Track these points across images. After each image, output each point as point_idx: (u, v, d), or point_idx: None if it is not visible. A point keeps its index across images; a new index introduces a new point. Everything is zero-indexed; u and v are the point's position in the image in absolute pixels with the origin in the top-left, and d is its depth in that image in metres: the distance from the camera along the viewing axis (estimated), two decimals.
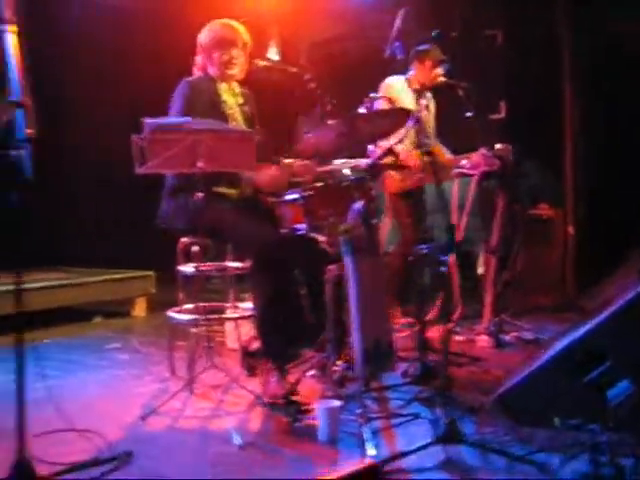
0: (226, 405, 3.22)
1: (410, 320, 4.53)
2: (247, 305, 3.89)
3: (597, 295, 4.75)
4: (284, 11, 6.82)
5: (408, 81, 4.66)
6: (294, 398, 3.07)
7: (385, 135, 3.44)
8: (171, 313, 3.61)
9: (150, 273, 5.51)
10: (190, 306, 3.61)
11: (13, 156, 2.14)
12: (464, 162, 4.40)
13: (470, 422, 2.83)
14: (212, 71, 3.58)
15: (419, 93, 4.56)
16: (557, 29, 5.77)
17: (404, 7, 3.49)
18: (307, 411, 2.97)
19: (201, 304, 3.43)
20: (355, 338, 2.78)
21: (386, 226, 4.84)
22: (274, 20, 6.90)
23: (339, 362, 3.26)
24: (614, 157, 5.37)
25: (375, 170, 3.54)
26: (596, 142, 5.60)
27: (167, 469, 2.50)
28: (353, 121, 2.91)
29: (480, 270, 4.74)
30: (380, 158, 3.43)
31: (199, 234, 3.24)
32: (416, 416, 2.95)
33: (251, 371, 3.65)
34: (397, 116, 3.15)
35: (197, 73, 3.60)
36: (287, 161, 3.52)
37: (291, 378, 3.27)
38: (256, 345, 3.79)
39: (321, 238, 3.17)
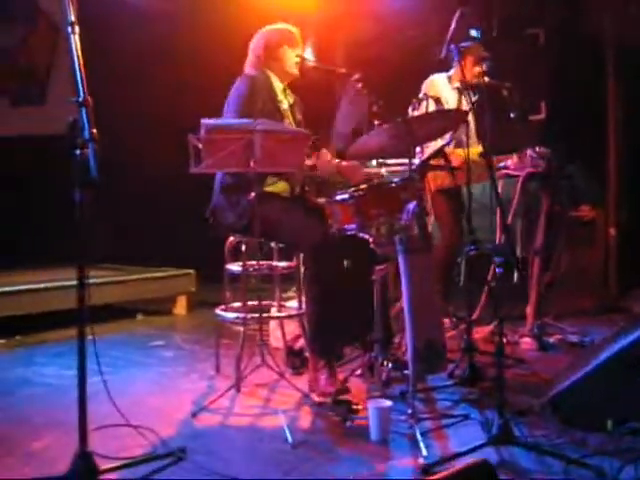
0: (274, 403, 3.24)
1: (452, 319, 4.53)
2: (292, 304, 3.93)
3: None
4: (320, 12, 6.84)
5: (450, 78, 4.64)
6: (343, 397, 3.09)
7: (438, 136, 3.44)
8: (219, 311, 3.64)
9: (191, 271, 5.56)
10: (237, 304, 3.65)
11: (79, 155, 2.18)
12: (509, 162, 4.37)
13: (521, 424, 2.81)
14: (274, 69, 3.61)
15: (461, 91, 4.53)
16: (601, 28, 5.70)
17: (461, 8, 3.47)
18: (357, 410, 2.99)
19: (250, 302, 3.46)
20: (408, 337, 2.79)
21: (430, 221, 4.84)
22: (310, 21, 6.93)
23: (385, 362, 3.27)
24: None
25: (424, 170, 3.54)
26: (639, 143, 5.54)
27: (221, 466, 2.52)
28: (407, 123, 2.91)
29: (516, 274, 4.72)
30: (430, 158, 3.42)
31: (248, 232, 3.26)
32: (466, 417, 2.95)
33: (295, 369, 3.68)
34: (450, 117, 3.14)
35: (252, 72, 3.62)
36: (334, 161, 3.53)
37: (339, 377, 3.29)
38: (300, 344, 3.82)
39: (369, 238, 3.17)
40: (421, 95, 3.96)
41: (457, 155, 4.20)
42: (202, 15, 6.23)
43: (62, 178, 2.43)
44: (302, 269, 3.40)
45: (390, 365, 3.27)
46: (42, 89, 7.41)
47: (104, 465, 2.35)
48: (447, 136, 3.55)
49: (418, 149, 4.12)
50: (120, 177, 6.28)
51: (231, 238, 3.58)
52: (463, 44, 4.52)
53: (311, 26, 7.05)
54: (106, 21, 6.13)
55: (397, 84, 6.02)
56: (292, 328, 3.97)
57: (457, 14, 3.50)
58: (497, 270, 2.52)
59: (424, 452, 2.55)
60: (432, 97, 3.71)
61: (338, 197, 3.14)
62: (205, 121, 2.80)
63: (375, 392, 3.21)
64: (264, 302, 3.82)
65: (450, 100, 4.49)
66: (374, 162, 4.84)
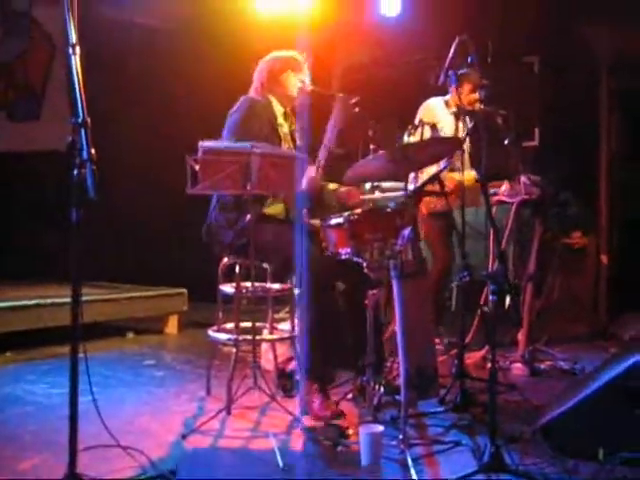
0: (265, 426, 3.22)
1: (444, 342, 4.54)
2: (284, 326, 3.93)
3: (630, 323, 4.73)
4: (317, 36, 6.89)
5: (446, 103, 4.68)
6: (335, 422, 3.08)
7: (434, 162, 3.47)
8: (211, 332, 3.64)
9: (183, 291, 5.55)
10: (230, 325, 3.64)
11: (77, 176, 2.18)
12: (502, 189, 4.41)
13: (512, 451, 2.80)
14: (276, 94, 3.66)
15: (457, 116, 4.56)
16: (595, 57, 5.78)
17: (460, 36, 3.52)
18: (348, 435, 2.98)
19: (242, 324, 3.46)
20: (400, 362, 2.79)
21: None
22: (307, 44, 6.98)
23: (377, 387, 3.27)
24: None
25: (419, 196, 3.56)
26: (632, 171, 5.58)
27: None
28: (404, 150, 2.94)
29: (508, 300, 4.74)
30: (425, 184, 3.45)
31: (244, 253, 3.26)
32: (457, 444, 2.94)
33: (287, 392, 3.67)
34: (446, 144, 3.17)
35: (254, 95, 3.66)
36: (331, 185, 3.56)
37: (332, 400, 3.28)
38: (291, 366, 3.82)
39: (363, 262, 3.18)
40: (417, 121, 3.99)
41: (451, 179, 4.23)
42: (202, 37, 6.27)
43: (54, 195, 2.45)
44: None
45: (382, 390, 3.27)
46: (38, 104, 7.44)
47: None
48: (442, 162, 3.57)
49: (412, 175, 4.16)
50: (114, 195, 6.32)
51: (225, 259, 3.59)
52: (462, 71, 4.58)
53: (308, 49, 7.13)
54: (107, 42, 6.17)
55: (393, 108, 6.09)
56: (283, 350, 3.97)
57: (456, 41, 3.54)
58: (491, 297, 2.52)
59: (415, 478, 2.54)
60: (428, 123, 3.74)
61: (333, 221, 3.15)
62: (203, 143, 2.82)
63: (367, 417, 3.20)
64: (257, 323, 3.83)
65: (446, 125, 4.53)
66: (367, 185, 4.88)
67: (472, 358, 4.30)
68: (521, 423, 3.14)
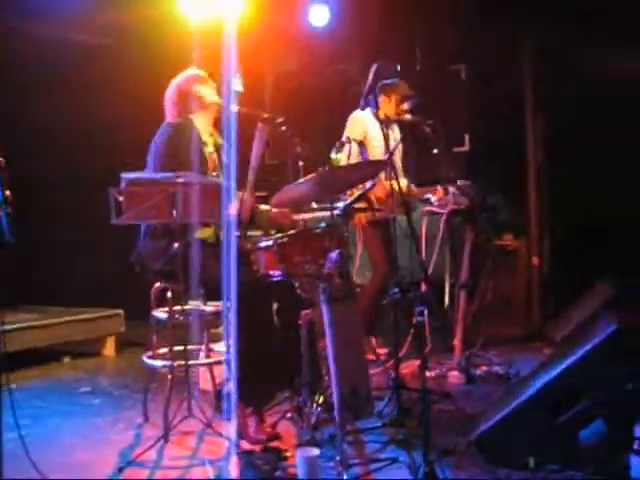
0: (203, 452, 3.21)
1: (381, 354, 4.58)
2: (220, 347, 3.90)
3: (562, 324, 4.86)
4: (248, 43, 6.86)
5: (375, 115, 4.71)
6: (272, 445, 3.08)
7: (362, 182, 3.50)
8: (145, 358, 3.60)
9: (119, 312, 5.47)
10: (164, 350, 3.60)
11: None
12: (433, 199, 4.48)
13: (446, 465, 2.85)
14: (195, 110, 3.62)
15: (386, 125, 4.60)
16: (520, 63, 5.91)
17: (376, 63, 3.55)
18: (286, 457, 2.99)
19: (175, 348, 3.42)
20: (333, 386, 2.81)
21: (356, 258, 4.90)
22: (238, 52, 6.94)
23: (314, 406, 3.28)
24: (578, 189, 5.49)
25: (348, 215, 3.59)
26: (561, 174, 5.73)
27: None
28: (331, 172, 2.95)
29: (446, 304, 4.83)
30: (353, 203, 3.48)
31: (175, 278, 3.23)
32: (394, 460, 2.97)
33: (225, 414, 3.65)
34: (372, 166, 3.20)
35: (174, 120, 3.62)
36: (263, 207, 3.56)
37: (268, 421, 3.28)
38: (229, 387, 3.80)
39: (295, 284, 3.19)
40: (344, 138, 4.01)
41: (383, 186, 4.28)
42: (137, 49, 6.16)
43: None
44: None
45: (319, 409, 3.28)
46: None
47: None
48: (369, 182, 3.61)
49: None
50: (43, 218, 6.19)
51: (157, 284, 3.55)
52: (389, 81, 4.63)
53: (240, 57, 7.09)
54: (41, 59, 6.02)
55: (323, 112, 6.13)
56: (221, 371, 3.94)
57: (374, 68, 3.57)
58: (418, 319, 2.56)
59: None
60: (354, 140, 3.77)
61: (262, 244, 3.15)
62: (126, 175, 2.78)
63: (304, 437, 3.21)
64: (192, 347, 3.80)
65: (376, 135, 4.57)
66: None
67: (409, 367, 4.36)
68: (455, 435, 3.20)
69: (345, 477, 2.69)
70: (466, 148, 6.15)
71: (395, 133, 4.84)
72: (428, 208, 4.52)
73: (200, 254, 3.30)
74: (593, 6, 5.28)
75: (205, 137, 3.63)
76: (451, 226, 4.61)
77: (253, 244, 3.25)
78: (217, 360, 3.79)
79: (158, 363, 3.54)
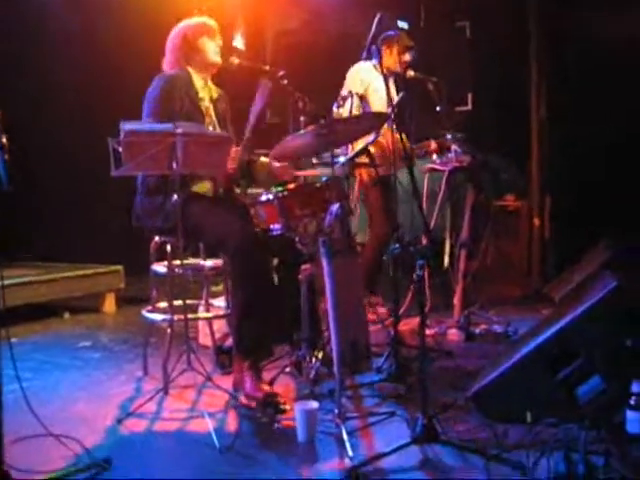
0: (202, 405, 3.22)
1: (381, 311, 4.59)
2: (220, 303, 3.90)
3: (562, 283, 4.85)
4: (248, 1, 6.78)
5: (375, 67, 4.63)
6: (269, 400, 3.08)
7: (363, 136, 3.45)
8: (145, 312, 3.59)
9: (119, 268, 5.45)
10: (164, 304, 3.60)
11: None
12: (435, 157, 4.44)
13: (445, 419, 2.87)
14: (195, 64, 3.54)
15: (387, 77, 4.54)
16: (526, 21, 5.82)
17: (380, 13, 3.47)
18: (284, 410, 3.00)
19: (175, 303, 3.42)
20: (332, 340, 2.80)
21: (356, 216, 4.88)
22: (239, 9, 6.86)
23: (314, 360, 3.29)
24: (581, 150, 5.45)
25: (350, 169, 3.55)
26: (563, 135, 5.68)
27: (147, 475, 2.50)
28: (331, 124, 2.91)
29: (446, 263, 4.82)
30: (354, 157, 3.43)
31: (174, 234, 3.20)
32: (392, 414, 2.98)
33: (225, 369, 3.66)
34: (374, 119, 3.16)
35: (170, 70, 3.55)
36: (263, 159, 3.52)
37: (267, 376, 3.28)
38: (229, 342, 3.80)
39: (296, 238, 3.17)
40: (345, 91, 3.96)
41: (381, 143, 4.24)
42: (120, 10, 6.05)
43: None
44: (228, 269, 3.38)
45: (318, 363, 3.29)
46: None
47: None
48: (371, 135, 3.56)
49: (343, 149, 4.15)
50: (42, 173, 6.15)
51: (156, 238, 3.53)
52: (390, 32, 4.56)
53: (240, 14, 7.00)
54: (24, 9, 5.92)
55: (324, 69, 6.05)
56: (220, 326, 3.95)
57: (376, 18, 3.50)
58: (418, 273, 2.54)
59: (350, 452, 2.57)
60: (356, 94, 3.72)
61: (262, 197, 3.13)
62: (124, 125, 2.73)
63: (304, 391, 3.22)
64: (192, 301, 3.79)
65: (378, 86, 4.51)
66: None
67: (409, 324, 4.37)
68: (455, 391, 3.22)
69: (343, 430, 2.69)
70: (469, 107, 6.10)
71: (397, 87, 4.78)
72: (430, 165, 4.48)
73: (198, 208, 3.28)
74: None
75: (202, 93, 3.56)
76: (452, 184, 4.58)
77: (253, 199, 3.21)
78: (216, 315, 3.79)
79: (158, 317, 3.54)
